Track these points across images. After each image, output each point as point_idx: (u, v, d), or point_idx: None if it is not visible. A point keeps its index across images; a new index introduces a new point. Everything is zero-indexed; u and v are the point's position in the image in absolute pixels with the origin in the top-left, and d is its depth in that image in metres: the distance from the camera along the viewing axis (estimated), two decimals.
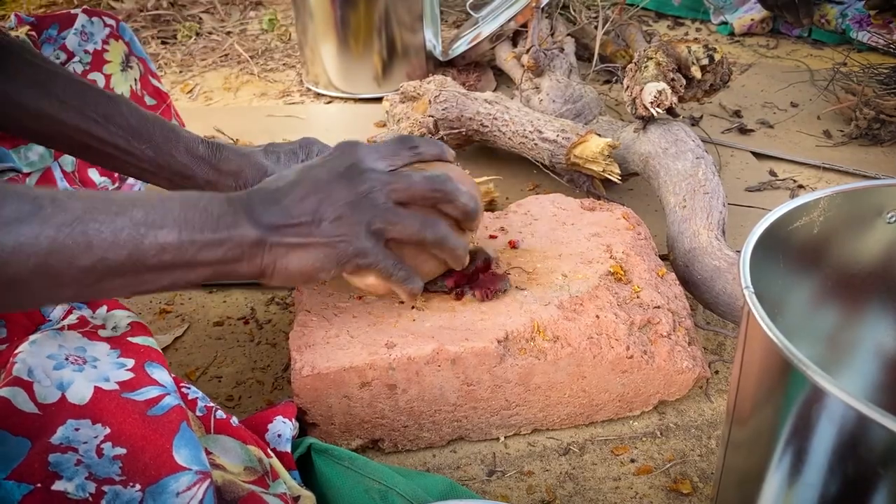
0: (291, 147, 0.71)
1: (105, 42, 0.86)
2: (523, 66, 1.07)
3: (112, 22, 0.88)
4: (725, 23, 1.56)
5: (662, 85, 0.82)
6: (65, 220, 0.44)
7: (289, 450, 0.53)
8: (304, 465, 0.55)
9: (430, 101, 0.96)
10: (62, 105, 0.62)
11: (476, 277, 0.65)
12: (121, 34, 0.88)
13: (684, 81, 0.85)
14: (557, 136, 0.89)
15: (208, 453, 0.46)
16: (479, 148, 1.04)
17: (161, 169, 0.66)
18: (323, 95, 1.33)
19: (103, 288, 0.47)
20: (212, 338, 0.76)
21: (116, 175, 0.90)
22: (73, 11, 0.85)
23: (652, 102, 0.82)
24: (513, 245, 0.71)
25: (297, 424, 0.57)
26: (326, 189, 0.53)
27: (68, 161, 0.82)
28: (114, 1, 1.72)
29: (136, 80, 0.90)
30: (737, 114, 1.21)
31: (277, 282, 0.53)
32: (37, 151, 0.77)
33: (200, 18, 1.67)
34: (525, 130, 0.92)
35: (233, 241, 0.50)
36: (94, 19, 0.86)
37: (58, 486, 0.40)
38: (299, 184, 0.54)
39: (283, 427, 0.54)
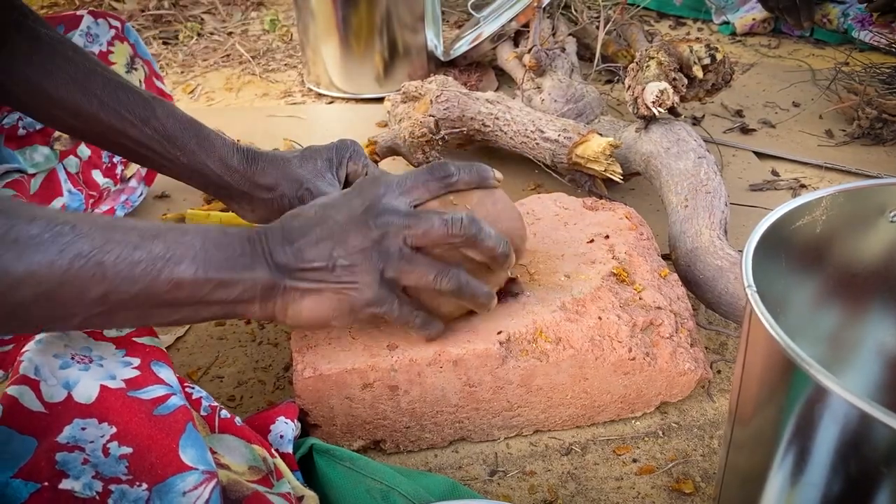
0: (328, 154, 0.69)
1: (110, 43, 0.86)
2: (525, 65, 1.07)
3: (117, 23, 0.88)
4: (727, 22, 1.56)
5: (664, 84, 0.82)
6: (81, 250, 0.43)
7: (291, 450, 0.53)
8: (305, 466, 0.55)
9: (431, 101, 0.96)
10: (101, 104, 0.63)
11: None
12: (126, 36, 0.89)
13: (686, 81, 0.85)
14: (559, 135, 0.89)
15: (213, 453, 0.46)
16: (480, 148, 1.04)
17: (195, 175, 0.66)
18: (324, 96, 1.33)
19: (112, 319, 0.47)
20: (213, 338, 0.76)
21: (118, 177, 0.90)
22: (78, 13, 0.85)
23: (654, 102, 0.82)
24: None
25: (299, 425, 0.57)
26: (341, 233, 0.52)
27: (73, 163, 0.82)
28: (116, 1, 1.73)
29: (140, 81, 0.90)
30: (739, 113, 1.20)
31: (291, 326, 0.52)
32: (42, 153, 0.77)
33: (202, 19, 1.68)
34: (527, 130, 0.92)
35: (247, 281, 0.49)
36: (100, 21, 0.86)
37: (65, 484, 0.40)
38: (316, 225, 0.52)
39: (285, 428, 0.54)
